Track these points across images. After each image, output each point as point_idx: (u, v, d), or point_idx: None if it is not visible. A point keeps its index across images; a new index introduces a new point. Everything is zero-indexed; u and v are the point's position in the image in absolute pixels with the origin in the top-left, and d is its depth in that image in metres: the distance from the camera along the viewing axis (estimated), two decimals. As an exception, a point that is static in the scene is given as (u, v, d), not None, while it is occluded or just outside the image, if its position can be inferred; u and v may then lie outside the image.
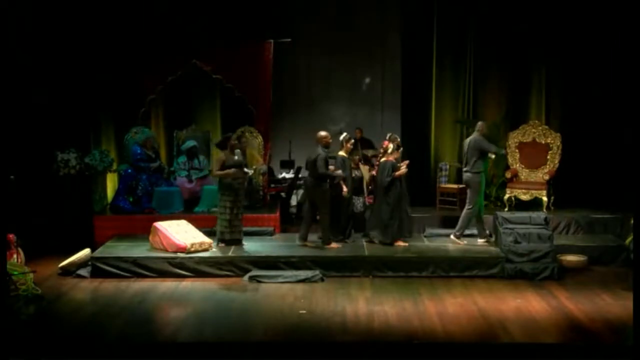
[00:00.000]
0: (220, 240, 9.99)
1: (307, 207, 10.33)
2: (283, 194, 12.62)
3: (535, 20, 12.30)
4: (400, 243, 10.12)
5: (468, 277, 9.37)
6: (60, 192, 11.28)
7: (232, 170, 9.93)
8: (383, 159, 10.24)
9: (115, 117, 12.24)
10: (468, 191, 10.33)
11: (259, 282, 9.20)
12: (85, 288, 9.06)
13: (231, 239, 9.99)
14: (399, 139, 10.44)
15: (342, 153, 10.34)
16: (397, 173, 10.11)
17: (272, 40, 12.07)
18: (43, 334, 7.48)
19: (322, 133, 10.24)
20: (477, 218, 10.35)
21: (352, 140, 10.54)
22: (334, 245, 10.06)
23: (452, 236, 10.34)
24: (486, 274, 9.41)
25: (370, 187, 11.11)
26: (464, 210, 10.33)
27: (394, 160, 10.20)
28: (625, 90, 11.10)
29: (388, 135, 10.44)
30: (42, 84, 11.39)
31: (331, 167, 10.11)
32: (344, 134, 10.53)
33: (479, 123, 10.49)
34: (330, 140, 10.29)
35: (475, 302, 8.42)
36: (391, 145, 10.22)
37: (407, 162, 10.34)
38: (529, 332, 7.51)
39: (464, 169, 10.40)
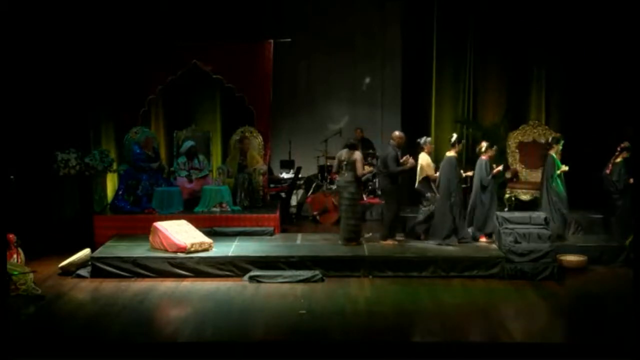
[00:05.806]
0: (356, 240, 10.12)
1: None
2: (283, 194, 12.63)
3: (536, 20, 12.30)
4: (484, 239, 10.29)
5: (468, 277, 9.37)
6: (60, 192, 11.28)
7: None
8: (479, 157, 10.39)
9: (115, 117, 12.24)
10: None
11: (259, 282, 9.20)
12: (85, 288, 9.05)
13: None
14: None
15: (452, 154, 10.20)
16: (495, 171, 10.30)
17: (272, 40, 12.08)
18: (43, 334, 7.48)
19: (397, 133, 10.32)
20: None
21: (463, 141, 10.34)
22: (389, 242, 10.18)
23: None
24: (486, 274, 9.40)
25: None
26: None
27: (488, 159, 10.32)
28: (626, 90, 11.08)
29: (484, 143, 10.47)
30: (42, 84, 11.39)
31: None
32: (454, 135, 10.40)
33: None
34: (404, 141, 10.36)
35: (475, 302, 8.42)
36: (484, 144, 10.39)
37: (501, 166, 10.52)
38: (529, 332, 7.52)
39: None
